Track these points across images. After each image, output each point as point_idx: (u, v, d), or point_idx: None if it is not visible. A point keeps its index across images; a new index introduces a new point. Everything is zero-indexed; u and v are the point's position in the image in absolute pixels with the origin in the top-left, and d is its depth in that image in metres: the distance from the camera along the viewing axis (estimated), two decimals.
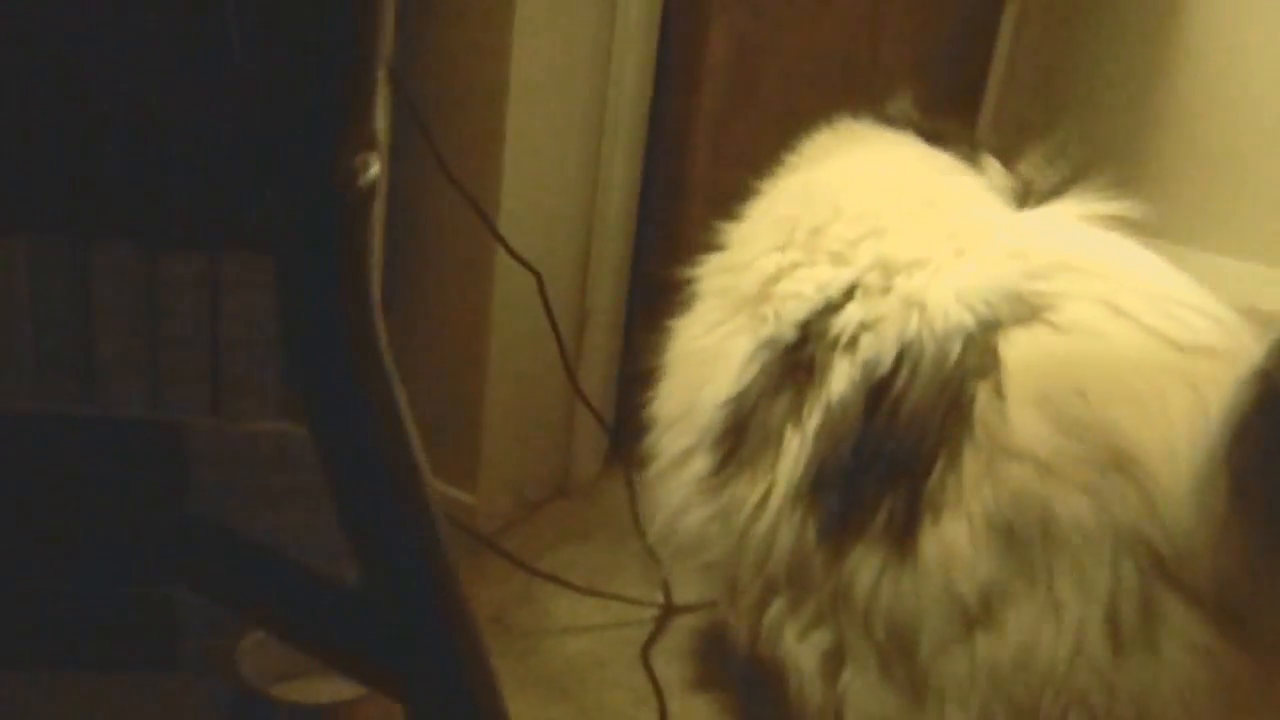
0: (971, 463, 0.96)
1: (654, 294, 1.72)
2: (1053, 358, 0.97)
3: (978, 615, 0.95)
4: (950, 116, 1.41)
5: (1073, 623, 0.92)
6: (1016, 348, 0.98)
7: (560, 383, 1.63)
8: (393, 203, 1.47)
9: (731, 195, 1.75)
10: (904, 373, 1.01)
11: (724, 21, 1.62)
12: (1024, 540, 0.93)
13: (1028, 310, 1.00)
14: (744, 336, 1.16)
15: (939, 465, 0.97)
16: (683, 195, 1.68)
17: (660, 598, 1.55)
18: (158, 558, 0.92)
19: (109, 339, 1.32)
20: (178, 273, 1.31)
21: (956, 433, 0.96)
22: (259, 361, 1.35)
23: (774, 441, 1.08)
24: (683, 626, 1.52)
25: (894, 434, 0.99)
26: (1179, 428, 0.89)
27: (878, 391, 1.02)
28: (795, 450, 1.06)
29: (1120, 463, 0.91)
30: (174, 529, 0.88)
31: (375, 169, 0.64)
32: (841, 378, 1.05)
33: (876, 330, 1.05)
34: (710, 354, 1.19)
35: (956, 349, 0.99)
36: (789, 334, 1.10)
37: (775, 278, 1.16)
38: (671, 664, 1.46)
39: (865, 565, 1.01)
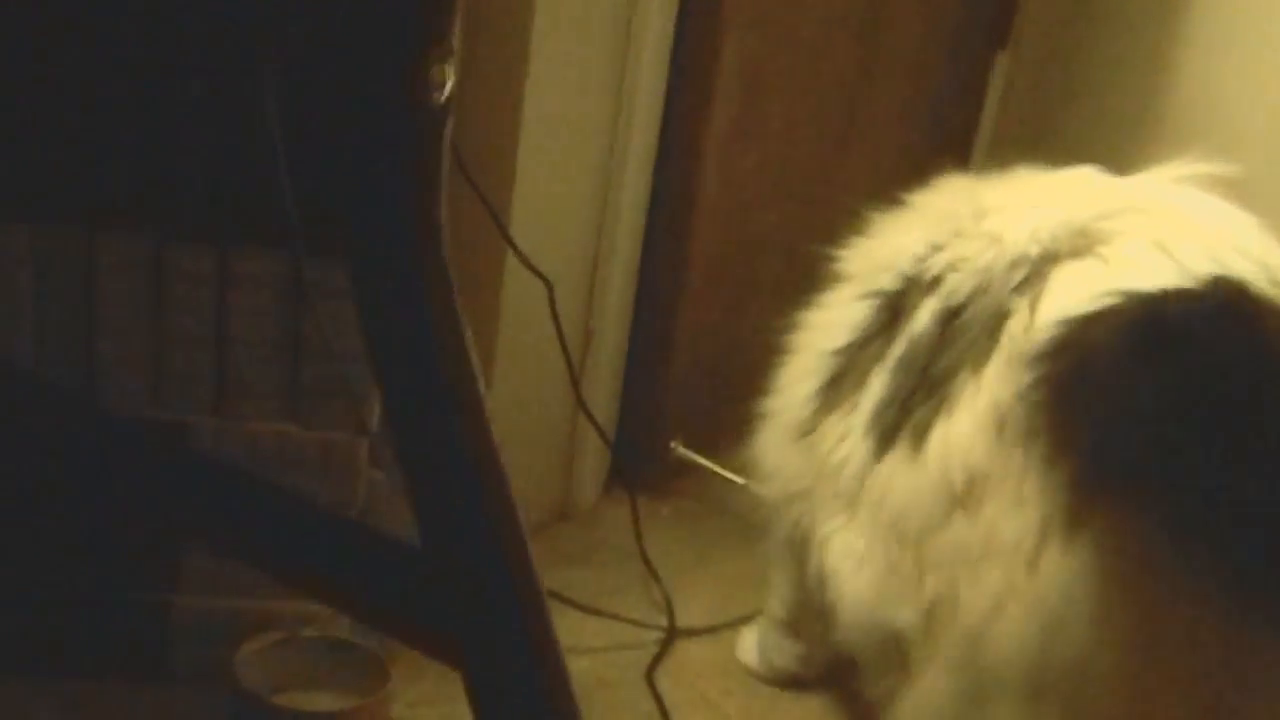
0: (991, 367, 1.03)
1: (659, 317, 1.72)
2: (1087, 284, 1.02)
3: (961, 498, 1.01)
4: (944, 159, 1.41)
5: (1032, 520, 0.96)
6: (1063, 274, 1.05)
7: (564, 399, 1.60)
8: None
9: (736, 217, 1.75)
10: (974, 299, 1.08)
11: (735, 42, 1.62)
12: (1012, 436, 0.99)
13: (1085, 244, 1.06)
14: (867, 302, 1.21)
15: (965, 370, 1.04)
16: (691, 214, 1.66)
17: (664, 620, 1.52)
18: (192, 514, 0.87)
19: (112, 334, 1.29)
20: (185, 268, 1.29)
21: (989, 344, 1.04)
22: (263, 361, 1.32)
23: (862, 381, 1.15)
24: (687, 649, 1.49)
25: (947, 351, 1.07)
26: None
27: (949, 318, 1.09)
28: (876, 384, 1.13)
29: None
30: (216, 486, 0.84)
31: (451, 84, 0.62)
32: (925, 313, 1.11)
33: (960, 268, 1.12)
34: (835, 321, 1.25)
35: (1019, 276, 1.06)
36: (894, 284, 1.17)
37: (902, 250, 1.22)
38: (676, 687, 1.43)
39: (889, 466, 1.09)
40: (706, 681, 1.44)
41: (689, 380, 1.76)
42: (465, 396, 0.66)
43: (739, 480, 1.72)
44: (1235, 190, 1.13)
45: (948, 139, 2.10)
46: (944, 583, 1.02)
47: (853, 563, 1.13)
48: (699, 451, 1.76)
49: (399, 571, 0.71)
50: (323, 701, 1.28)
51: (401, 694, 1.30)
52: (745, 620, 1.54)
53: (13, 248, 1.24)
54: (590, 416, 1.60)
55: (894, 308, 1.16)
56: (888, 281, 1.19)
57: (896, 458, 1.08)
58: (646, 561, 1.59)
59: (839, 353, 1.20)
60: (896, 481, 1.08)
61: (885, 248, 1.26)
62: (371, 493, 1.33)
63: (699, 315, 1.74)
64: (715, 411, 1.81)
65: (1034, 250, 1.07)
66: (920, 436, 1.06)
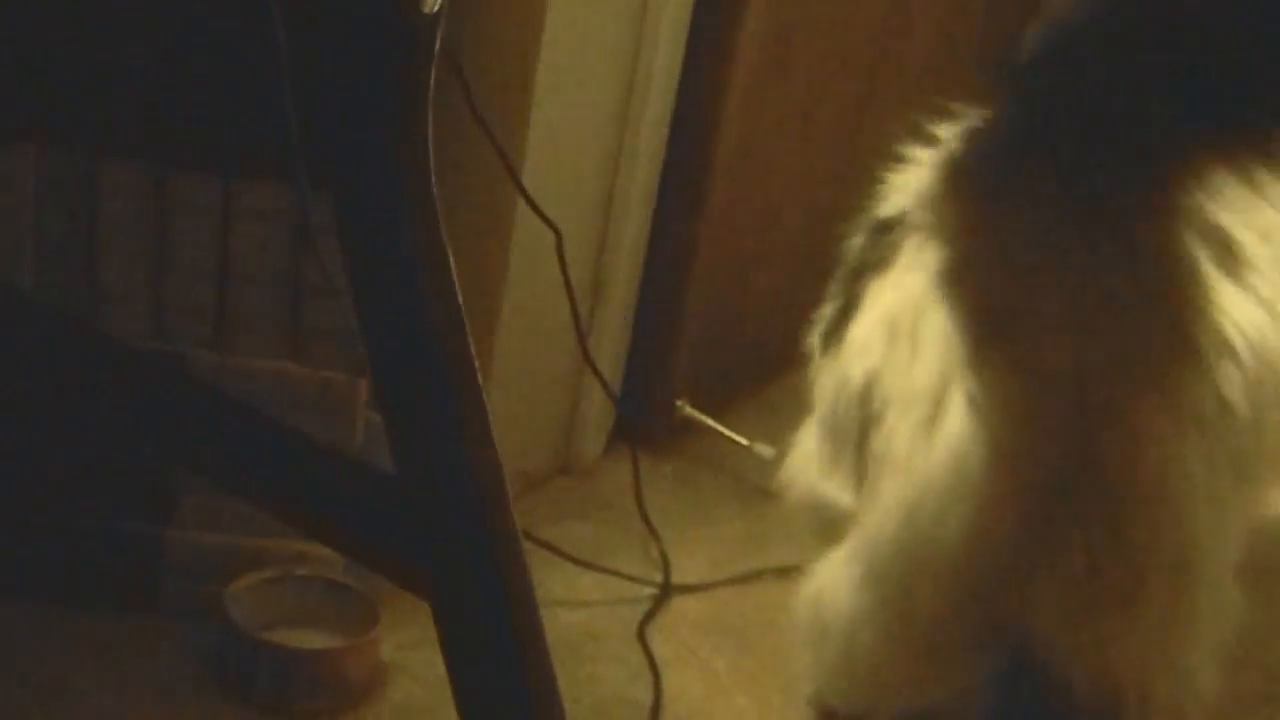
0: (891, 273, 1.09)
1: (670, 273, 1.70)
2: None
3: (866, 401, 1.08)
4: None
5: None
6: None
7: (571, 353, 1.59)
8: None
9: (754, 173, 1.73)
10: (902, 217, 1.12)
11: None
12: (900, 337, 1.05)
13: None
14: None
15: (872, 277, 1.11)
16: (709, 168, 1.64)
17: (659, 577, 1.51)
18: (167, 439, 0.87)
19: (113, 264, 1.28)
20: (188, 200, 1.28)
21: (894, 255, 1.10)
22: (265, 297, 1.32)
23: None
24: (680, 606, 1.48)
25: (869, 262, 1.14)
26: None
27: (881, 230, 1.14)
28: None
29: None
30: (182, 408, 0.83)
31: None
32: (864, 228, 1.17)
33: (903, 189, 1.14)
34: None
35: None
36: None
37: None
38: (668, 643, 1.42)
39: (822, 366, 1.17)
40: (698, 639, 1.43)
41: (699, 339, 1.74)
42: (447, 323, 0.65)
43: (744, 441, 1.71)
44: None
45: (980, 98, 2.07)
46: (870, 484, 1.07)
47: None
48: (705, 411, 1.75)
49: (371, 501, 0.70)
50: (312, 641, 1.28)
51: (391, 636, 1.30)
52: (742, 579, 1.53)
53: (16, 170, 1.23)
54: (595, 370, 1.59)
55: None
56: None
57: (826, 359, 1.17)
58: (645, 518, 1.57)
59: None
60: (821, 380, 1.16)
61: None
62: (369, 433, 1.32)
63: (712, 273, 1.72)
64: (724, 372, 1.80)
65: None
66: (837, 338, 1.14)
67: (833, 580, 1.08)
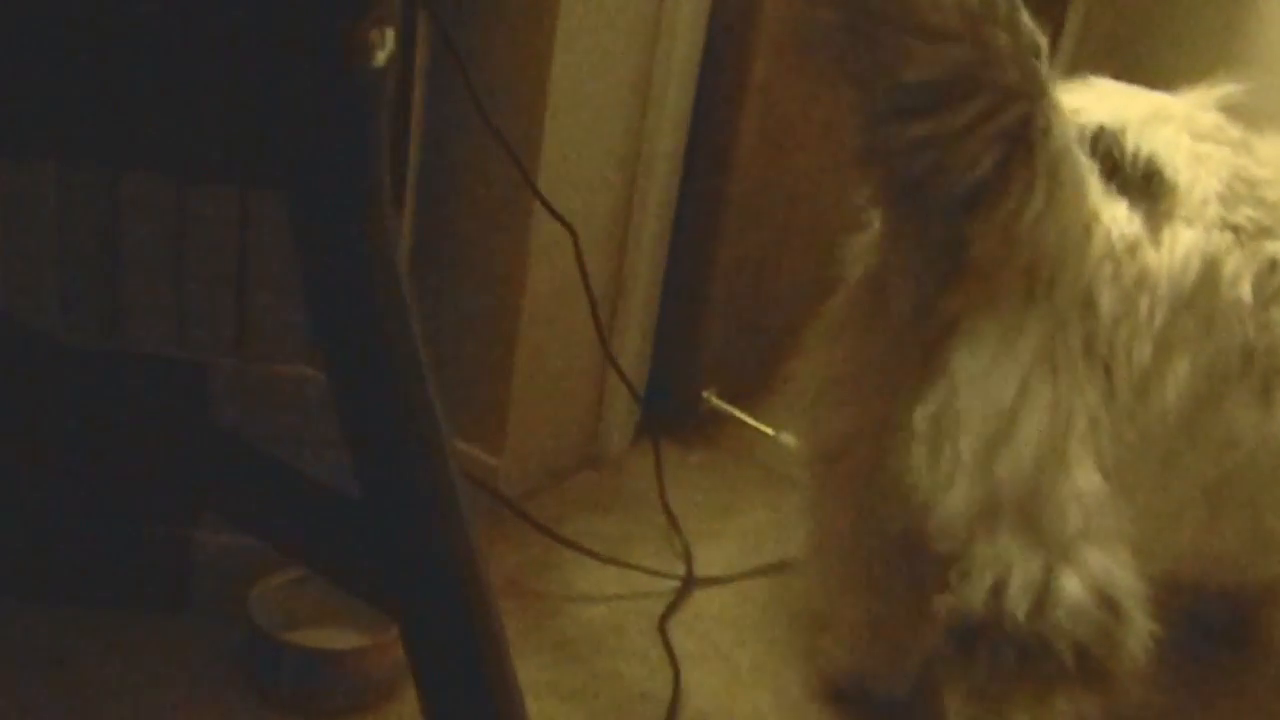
0: None
1: (694, 265, 1.71)
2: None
3: None
4: None
5: None
6: None
7: (594, 349, 1.60)
8: (428, 147, 1.45)
9: (776, 163, 1.72)
10: None
11: None
12: None
13: None
14: None
15: None
16: (728, 167, 1.64)
17: (682, 569, 1.52)
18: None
19: (135, 274, 1.31)
20: (207, 210, 1.30)
21: None
22: (285, 304, 1.34)
23: None
24: (703, 600, 1.49)
25: None
26: None
27: None
28: None
29: None
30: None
31: (390, 47, 0.61)
32: None
33: None
34: None
35: None
36: None
37: None
38: (689, 636, 1.43)
39: None
40: (720, 632, 1.45)
41: (723, 330, 1.75)
42: (404, 358, 0.67)
43: (770, 432, 1.72)
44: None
45: None
46: None
47: None
48: (732, 402, 1.76)
49: (340, 526, 0.72)
50: (336, 640, 1.31)
51: None
52: (765, 571, 1.54)
53: (39, 185, 1.26)
54: (616, 366, 1.60)
55: None
56: None
57: None
58: (667, 510, 1.59)
59: None
60: None
61: None
62: None
63: (735, 264, 1.72)
64: (750, 362, 1.81)
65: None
66: None
67: None
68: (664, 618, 1.45)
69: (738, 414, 1.75)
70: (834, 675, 1.36)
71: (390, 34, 0.61)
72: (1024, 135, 0.99)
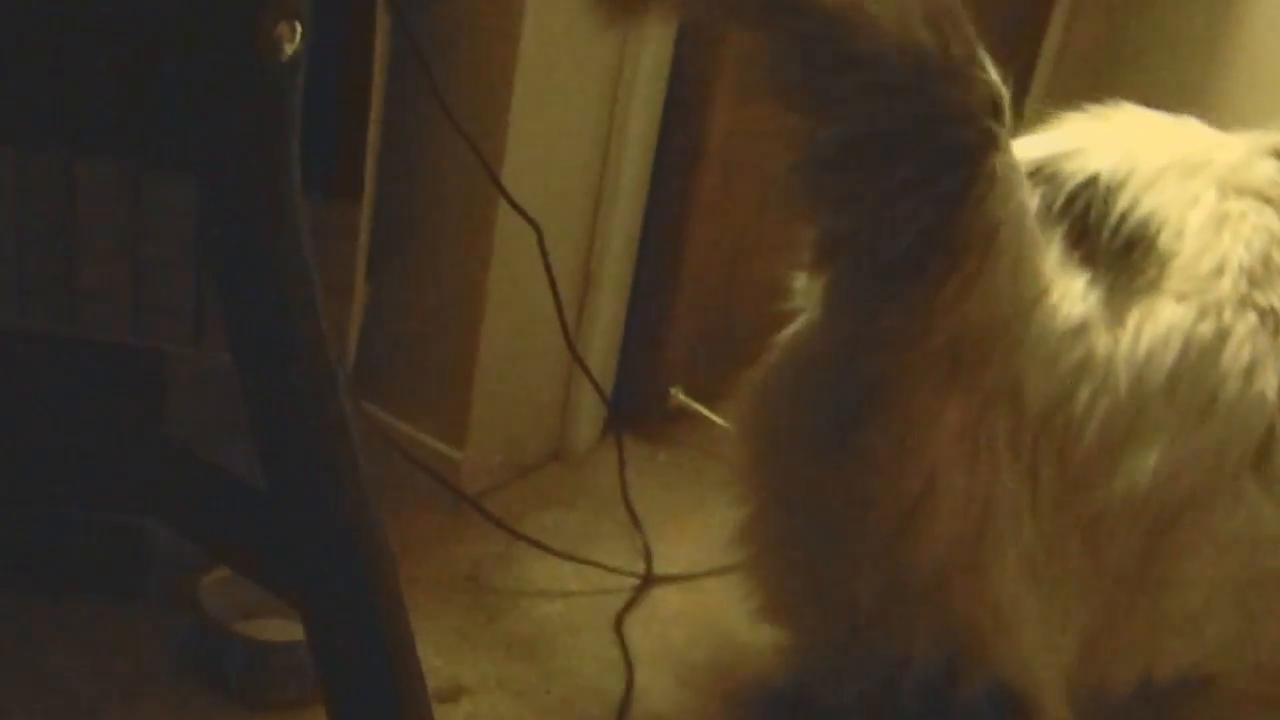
0: None
1: (662, 261, 1.70)
2: None
3: None
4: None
5: None
6: None
7: (560, 344, 1.60)
8: (389, 140, 1.44)
9: (747, 161, 1.72)
10: None
11: None
12: None
13: None
14: None
15: None
16: (698, 163, 1.64)
17: (642, 567, 1.52)
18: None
19: (92, 261, 1.30)
20: (164, 196, 1.30)
21: None
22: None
23: None
24: (660, 598, 1.49)
25: None
26: None
27: None
28: None
29: None
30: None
31: (298, 40, 0.61)
32: None
33: None
34: None
35: None
36: None
37: None
38: (645, 635, 1.43)
39: None
40: (676, 630, 1.45)
41: (691, 326, 1.74)
42: (308, 349, 0.67)
43: None
44: None
45: (1010, 56, 2.05)
46: None
47: None
48: (699, 400, 1.75)
49: (247, 517, 0.72)
50: (287, 632, 1.30)
51: None
52: (725, 570, 1.53)
53: None
54: (581, 362, 1.60)
55: None
56: None
57: None
58: (629, 507, 1.59)
59: None
60: None
61: None
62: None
63: (704, 261, 1.72)
64: (718, 360, 1.80)
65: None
66: None
67: None
68: (620, 615, 1.45)
69: (705, 412, 1.74)
70: (775, 677, 1.34)
71: (299, 27, 0.60)
72: (961, 201, 0.90)
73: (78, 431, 0.99)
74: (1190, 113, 1.14)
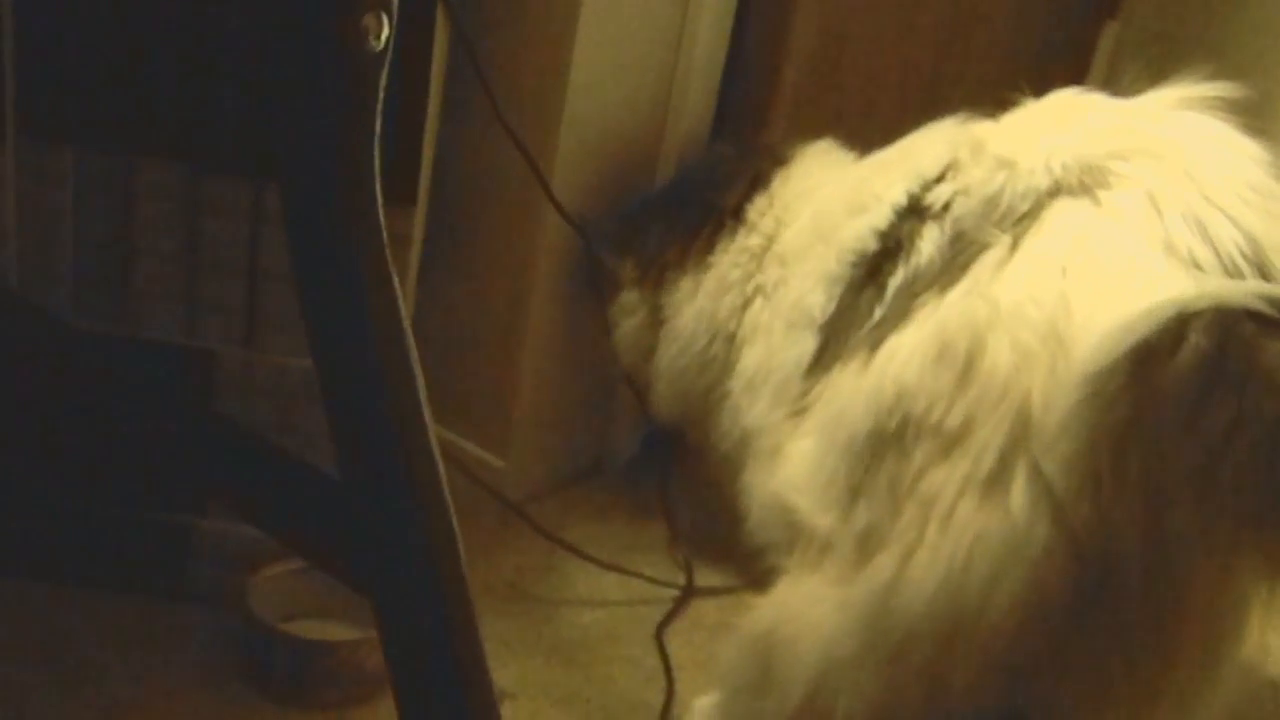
0: (955, 293, 1.01)
1: None
2: (1069, 231, 1.00)
3: (888, 421, 1.01)
4: None
5: (955, 474, 0.96)
6: (1054, 214, 1.02)
7: (604, 357, 1.60)
8: (444, 147, 1.45)
9: None
10: (978, 224, 1.05)
11: (809, 7, 1.60)
12: (948, 361, 0.97)
13: (1090, 182, 1.02)
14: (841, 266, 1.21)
15: (932, 291, 1.03)
16: None
17: (682, 580, 1.52)
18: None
19: (148, 262, 1.32)
20: (220, 199, 1.31)
21: (962, 270, 1.02)
22: (294, 296, 1.34)
23: (861, 324, 1.12)
24: (701, 610, 1.49)
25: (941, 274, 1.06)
26: (1106, 330, 0.89)
27: (956, 242, 1.06)
28: (878, 316, 1.11)
29: (1053, 340, 0.93)
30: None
31: (386, 33, 0.62)
32: (930, 242, 1.09)
33: (968, 193, 1.09)
34: (803, 293, 1.27)
35: (1025, 207, 1.03)
36: (869, 243, 1.16)
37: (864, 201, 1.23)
38: (685, 646, 1.43)
39: (845, 370, 1.09)
40: (716, 642, 1.44)
41: None
42: (389, 344, 0.67)
43: None
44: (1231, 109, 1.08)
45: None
46: (876, 515, 1.01)
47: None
48: None
49: (317, 504, 0.72)
50: (332, 632, 1.31)
51: None
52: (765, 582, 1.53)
53: (55, 171, 1.27)
54: (627, 377, 1.60)
55: (874, 264, 1.15)
56: (858, 238, 1.18)
57: (854, 365, 1.08)
58: (669, 518, 1.59)
59: (826, 323, 1.19)
60: (844, 385, 1.08)
61: (835, 205, 1.26)
62: None
63: None
64: None
65: (1044, 182, 1.04)
66: (875, 347, 1.06)
67: (813, 618, 1.04)
68: (661, 626, 1.45)
69: None
70: None
71: (386, 19, 0.61)
72: None
73: (144, 422, 1.00)
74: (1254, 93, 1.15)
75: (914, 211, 1.13)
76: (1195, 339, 0.83)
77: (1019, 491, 0.92)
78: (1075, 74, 2.12)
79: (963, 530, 0.94)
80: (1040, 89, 1.16)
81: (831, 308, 1.18)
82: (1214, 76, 1.09)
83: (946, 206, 1.10)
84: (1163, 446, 0.85)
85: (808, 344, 1.20)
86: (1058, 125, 1.11)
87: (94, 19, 1.24)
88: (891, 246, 1.13)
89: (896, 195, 1.16)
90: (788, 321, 1.26)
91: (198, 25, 1.23)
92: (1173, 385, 0.83)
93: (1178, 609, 0.95)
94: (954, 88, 1.84)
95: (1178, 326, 0.83)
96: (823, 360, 1.16)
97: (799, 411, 1.16)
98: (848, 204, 1.24)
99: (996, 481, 0.93)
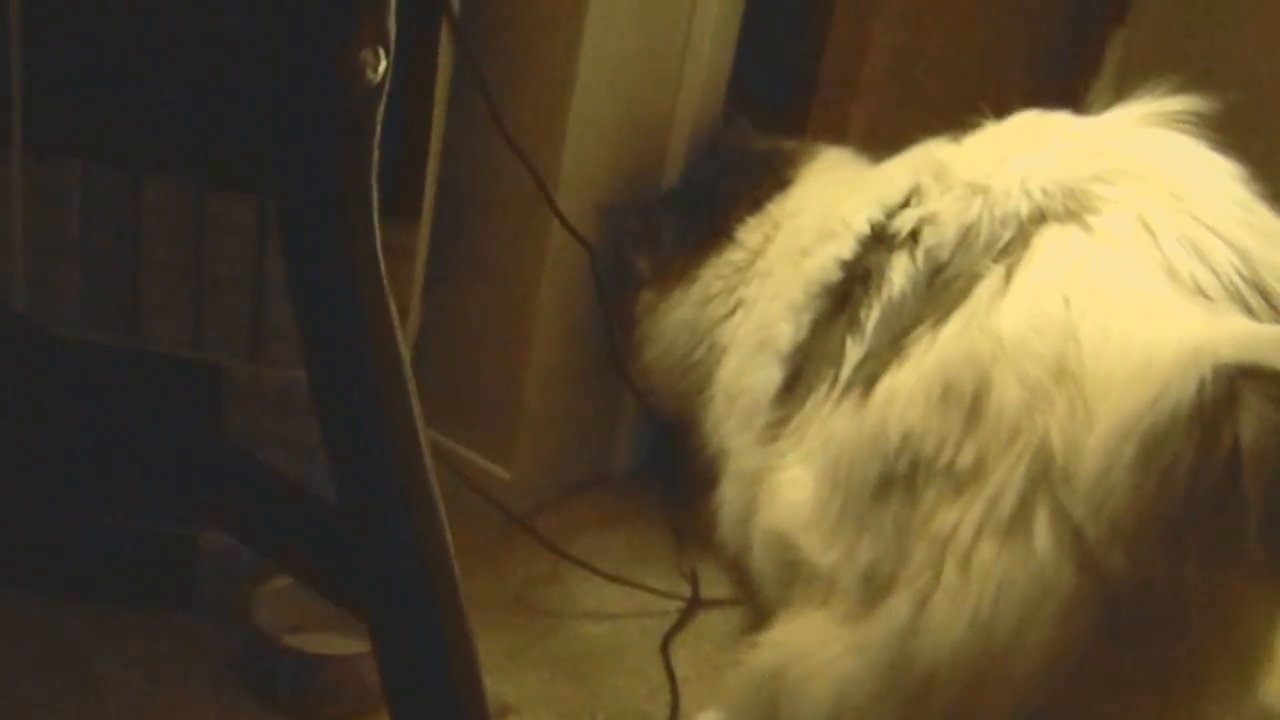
0: (950, 327, 0.98)
1: None
2: (1066, 259, 0.98)
3: (895, 462, 0.98)
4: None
5: (971, 515, 0.94)
6: (1046, 241, 0.99)
7: (609, 366, 1.60)
8: (448, 162, 1.46)
9: None
10: (959, 254, 1.02)
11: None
12: (954, 400, 0.95)
13: (1076, 207, 1.00)
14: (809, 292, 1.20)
15: (925, 325, 1.00)
16: None
17: (688, 590, 1.52)
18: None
19: (155, 276, 1.32)
20: (226, 214, 1.31)
21: (955, 303, 0.99)
22: None
23: (835, 357, 1.09)
24: (706, 622, 1.49)
25: (924, 306, 1.03)
26: (1130, 369, 0.88)
27: (933, 275, 1.04)
28: (853, 350, 1.08)
29: (1065, 375, 0.91)
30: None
31: (383, 68, 0.62)
32: (901, 273, 1.06)
33: (937, 221, 1.06)
34: (772, 316, 1.28)
35: (1008, 235, 1.00)
36: (834, 274, 1.15)
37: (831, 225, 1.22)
38: (691, 658, 1.43)
39: (840, 410, 1.06)
40: (721, 655, 1.44)
41: None
42: (383, 367, 0.68)
43: None
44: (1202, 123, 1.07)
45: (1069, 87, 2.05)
46: (882, 553, 0.99)
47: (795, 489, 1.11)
48: None
49: (312, 527, 0.73)
50: (337, 645, 1.31)
51: None
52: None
53: (62, 185, 1.28)
54: (630, 383, 1.60)
55: (842, 292, 1.13)
56: (822, 269, 1.17)
57: (848, 404, 1.05)
58: (675, 530, 1.59)
59: (793, 353, 1.17)
60: (840, 424, 1.05)
61: (803, 227, 1.27)
62: None
63: None
64: None
65: (1025, 207, 1.01)
66: (870, 386, 1.03)
67: (825, 659, 1.02)
68: (667, 638, 1.45)
69: None
70: None
71: (383, 53, 0.61)
72: None
73: (141, 442, 1.01)
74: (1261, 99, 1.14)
75: (879, 240, 1.11)
76: (1255, 404, 0.81)
77: (1043, 533, 0.90)
78: (1085, 80, 2.12)
79: (986, 573, 0.92)
80: (1050, 97, 1.17)
81: (800, 338, 1.17)
82: (1222, 82, 1.08)
83: (914, 235, 1.07)
84: (1215, 506, 0.84)
85: (774, 372, 1.19)
86: (1024, 146, 1.09)
87: (101, 35, 1.24)
88: (860, 274, 1.11)
89: (860, 223, 1.15)
90: (757, 341, 1.27)
91: (204, 41, 1.23)
92: (1237, 451, 0.82)
93: (1209, 647, 0.94)
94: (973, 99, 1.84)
95: (1228, 385, 0.81)
96: (795, 390, 1.15)
97: (771, 439, 1.15)
98: (818, 229, 1.24)
99: (1017, 523, 0.91)
